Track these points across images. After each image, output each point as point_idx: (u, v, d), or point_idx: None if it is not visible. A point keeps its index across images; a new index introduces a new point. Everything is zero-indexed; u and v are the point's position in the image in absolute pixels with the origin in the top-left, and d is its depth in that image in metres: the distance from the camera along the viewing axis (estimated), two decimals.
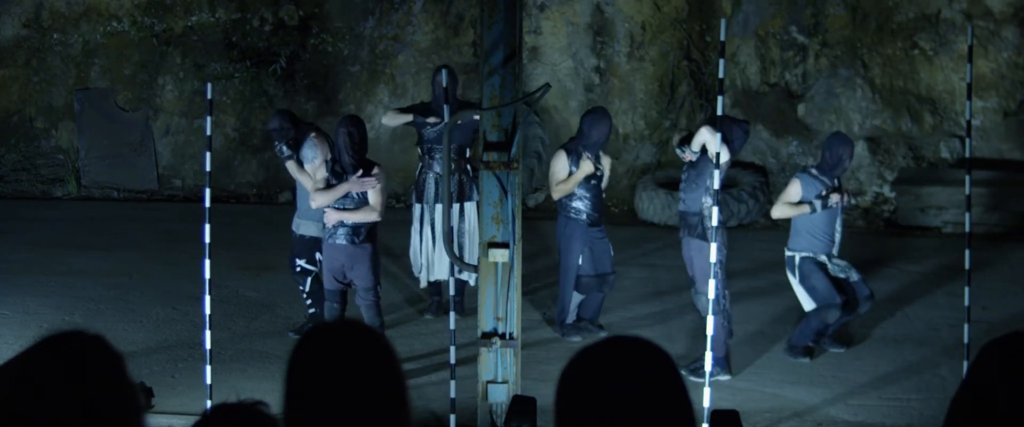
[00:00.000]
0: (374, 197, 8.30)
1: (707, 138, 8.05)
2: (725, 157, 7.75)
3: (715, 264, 6.88)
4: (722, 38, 6.63)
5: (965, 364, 7.34)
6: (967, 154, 8.01)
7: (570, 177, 8.78)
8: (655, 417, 2.24)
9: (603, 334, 8.83)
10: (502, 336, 6.53)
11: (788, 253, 8.59)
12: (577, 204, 8.86)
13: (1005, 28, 13.02)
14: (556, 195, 8.95)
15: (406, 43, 14.14)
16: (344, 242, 8.33)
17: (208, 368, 7.05)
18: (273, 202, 13.97)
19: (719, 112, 6.59)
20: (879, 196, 13.04)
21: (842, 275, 8.53)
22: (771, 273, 10.05)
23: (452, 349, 7.11)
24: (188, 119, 14.41)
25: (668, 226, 12.04)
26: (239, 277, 10.57)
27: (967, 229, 7.72)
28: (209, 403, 6.92)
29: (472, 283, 9.08)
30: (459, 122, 8.81)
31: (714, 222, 7.17)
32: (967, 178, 7.73)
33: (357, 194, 8.29)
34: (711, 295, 6.79)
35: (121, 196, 14.33)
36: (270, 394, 2.58)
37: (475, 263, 7.12)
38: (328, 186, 8.32)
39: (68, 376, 2.34)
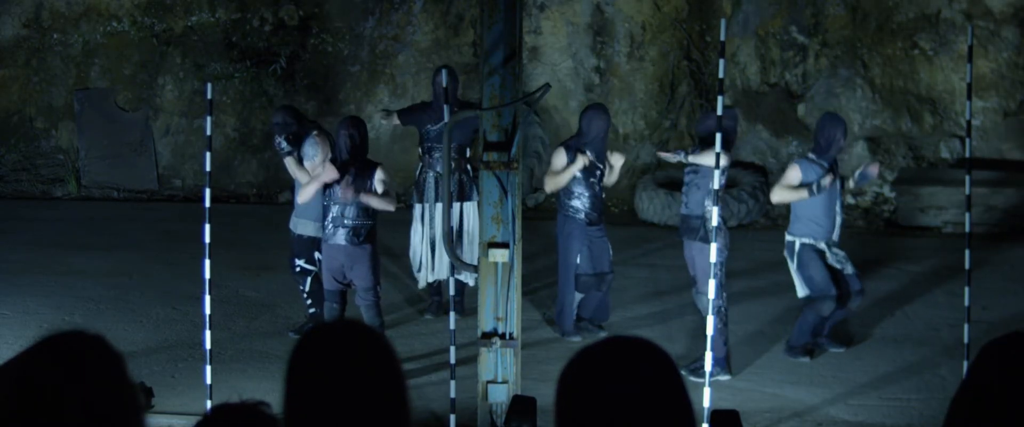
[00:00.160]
0: (385, 196, 8.37)
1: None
2: (725, 159, 7.73)
3: (715, 265, 6.87)
4: (722, 38, 6.62)
5: (965, 364, 7.33)
6: (967, 154, 8.00)
7: (564, 169, 8.72)
8: (655, 417, 2.24)
9: (603, 334, 8.83)
10: (502, 336, 6.53)
11: (788, 238, 8.54)
12: (575, 203, 8.83)
13: (1005, 28, 13.02)
14: (548, 188, 8.92)
15: (406, 43, 14.14)
16: (344, 242, 8.33)
17: (208, 368, 7.04)
18: (273, 202, 13.96)
19: (719, 112, 6.59)
20: (879, 196, 13.03)
21: (838, 266, 8.49)
22: (771, 273, 10.06)
23: (452, 349, 7.10)
24: (188, 119, 14.41)
25: (668, 226, 12.03)
26: (239, 277, 10.57)
27: (967, 229, 7.71)
28: (209, 403, 6.92)
29: (471, 284, 9.08)
30: (459, 120, 8.80)
31: (714, 222, 7.17)
32: (967, 178, 7.72)
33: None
34: (711, 295, 6.79)
35: (121, 196, 14.33)
36: (270, 394, 2.58)
37: (475, 263, 7.11)
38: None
39: (68, 376, 2.34)
